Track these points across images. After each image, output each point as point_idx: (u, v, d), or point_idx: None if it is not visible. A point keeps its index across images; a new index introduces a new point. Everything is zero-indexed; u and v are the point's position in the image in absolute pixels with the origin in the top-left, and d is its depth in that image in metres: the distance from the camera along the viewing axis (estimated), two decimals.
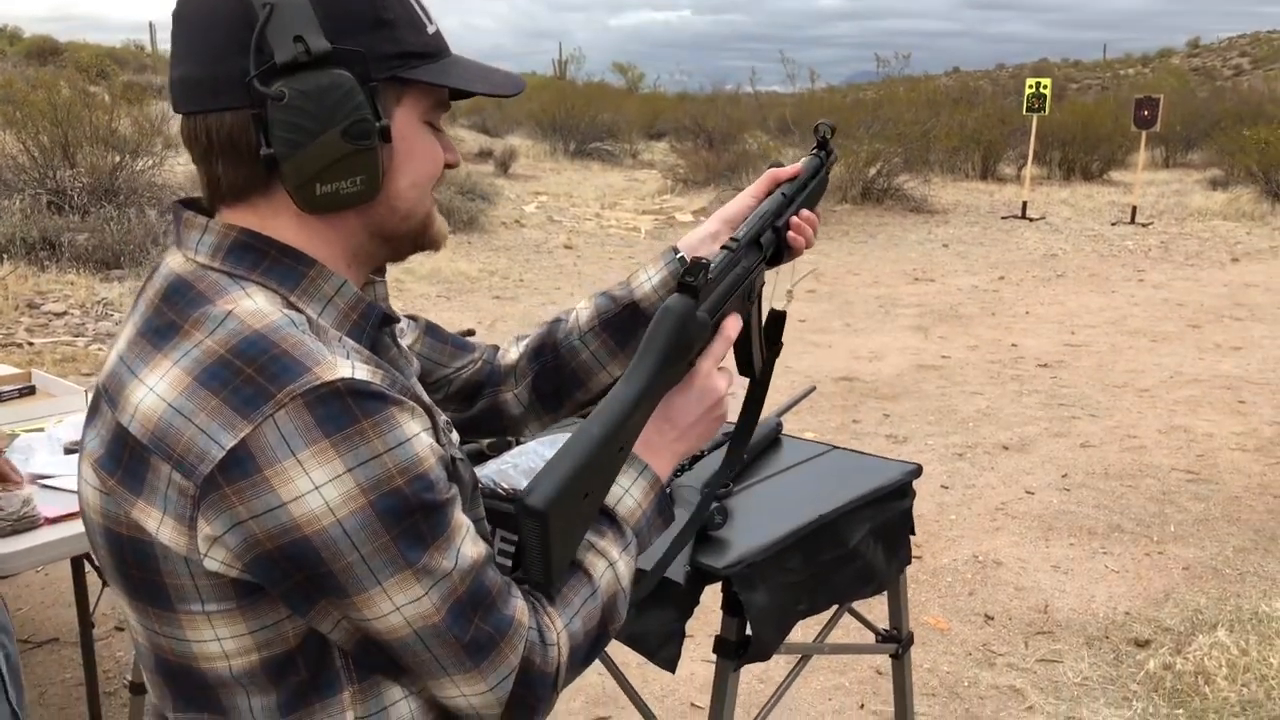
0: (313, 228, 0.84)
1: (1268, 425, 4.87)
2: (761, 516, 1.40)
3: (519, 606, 0.83)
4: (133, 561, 0.78)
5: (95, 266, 7.08)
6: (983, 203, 13.39)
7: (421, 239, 0.90)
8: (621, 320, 1.13)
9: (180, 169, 9.13)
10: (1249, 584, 3.28)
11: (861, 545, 1.47)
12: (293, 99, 0.77)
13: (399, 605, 0.76)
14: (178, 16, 0.82)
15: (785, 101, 17.42)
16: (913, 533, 1.60)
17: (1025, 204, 12.28)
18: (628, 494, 0.93)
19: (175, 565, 0.75)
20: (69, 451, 2.05)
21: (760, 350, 1.13)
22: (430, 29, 0.86)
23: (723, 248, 1.04)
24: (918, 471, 1.57)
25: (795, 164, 1.19)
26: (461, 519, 0.80)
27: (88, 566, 2.34)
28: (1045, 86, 12.29)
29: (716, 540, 1.34)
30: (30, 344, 5.81)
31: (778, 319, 1.15)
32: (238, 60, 0.78)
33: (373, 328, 0.86)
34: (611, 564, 0.90)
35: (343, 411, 0.73)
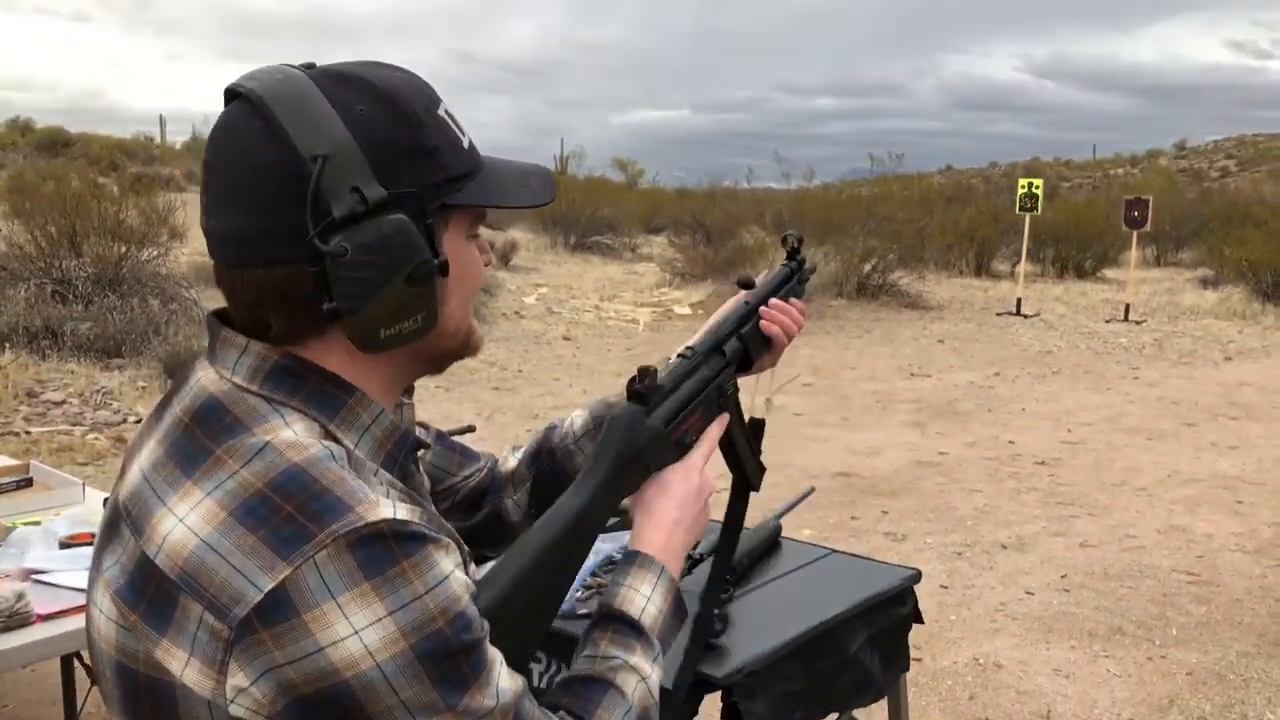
0: (362, 360, 0.82)
1: (1266, 526, 4.85)
2: (761, 623, 1.40)
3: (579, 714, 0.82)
4: (146, 700, 0.75)
5: (96, 355, 7.12)
6: (977, 299, 13.54)
7: (464, 350, 0.90)
8: None
9: (185, 259, 9.25)
10: (1254, 690, 3.24)
11: (860, 653, 1.46)
12: (355, 254, 0.75)
13: None
14: (214, 166, 0.79)
15: (781, 198, 17.75)
16: (917, 623, 1.59)
17: (1020, 301, 12.42)
18: (650, 601, 0.92)
19: (195, 707, 0.72)
20: (64, 546, 2.04)
21: (752, 459, 1.15)
22: (465, 143, 0.84)
23: (678, 355, 1.06)
24: (917, 577, 1.57)
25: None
26: (495, 653, 0.79)
27: (76, 664, 2.31)
28: (1037, 187, 12.55)
29: (716, 648, 1.33)
30: (27, 433, 5.81)
31: (757, 427, 1.16)
32: (288, 214, 0.75)
33: (405, 457, 0.85)
34: (644, 678, 0.89)
35: (384, 553, 0.72)
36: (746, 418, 1.15)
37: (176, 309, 7.91)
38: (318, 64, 0.82)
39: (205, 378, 0.81)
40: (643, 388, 0.96)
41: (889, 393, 8.00)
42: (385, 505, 0.73)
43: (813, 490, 1.60)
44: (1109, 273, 16.86)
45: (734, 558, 1.41)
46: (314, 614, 0.70)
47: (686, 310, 11.89)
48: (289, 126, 0.76)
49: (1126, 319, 11.90)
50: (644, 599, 0.92)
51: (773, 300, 1.17)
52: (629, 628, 0.90)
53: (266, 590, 0.70)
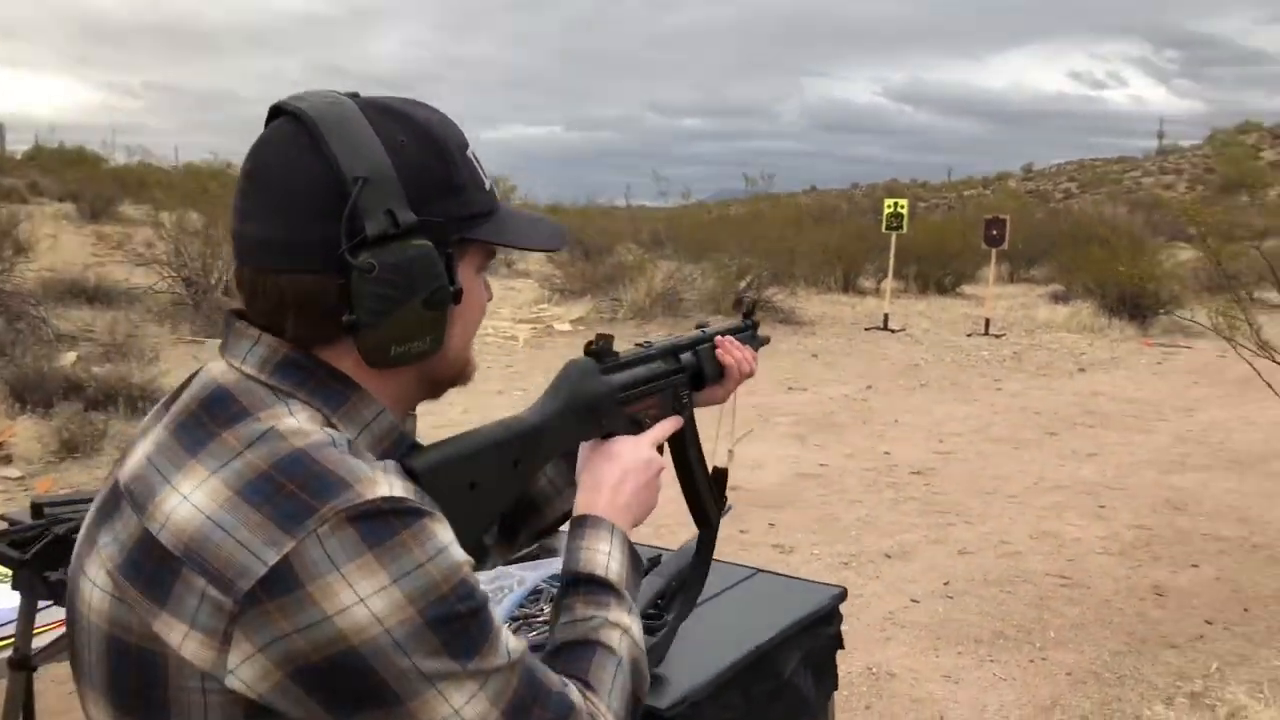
0: (366, 374, 0.85)
1: (1127, 529, 5.11)
2: (698, 649, 1.37)
3: (572, 689, 0.83)
4: (135, 672, 0.76)
5: None
6: (846, 315, 13.94)
7: (460, 378, 0.94)
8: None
9: (31, 275, 8.68)
10: (1128, 688, 3.38)
11: (794, 675, 1.44)
12: (381, 272, 0.80)
13: (458, 708, 0.76)
14: (255, 174, 0.84)
15: (658, 216, 17.92)
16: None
17: (887, 316, 12.84)
18: (611, 558, 0.95)
19: (187, 680, 0.74)
20: None
21: (710, 493, 1.18)
22: (487, 184, 0.90)
23: (636, 345, 1.12)
24: (843, 595, 1.57)
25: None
26: (498, 616, 0.82)
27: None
28: (903, 206, 13.03)
29: (656, 677, 1.29)
30: None
31: (721, 475, 1.21)
32: (323, 227, 0.80)
33: (399, 458, 0.87)
34: (626, 630, 0.92)
35: (384, 526, 0.75)
36: (710, 467, 1.21)
37: (24, 328, 7.41)
38: (361, 94, 0.87)
39: (215, 368, 0.85)
40: (598, 347, 1.02)
41: (769, 406, 8.13)
42: (383, 483, 0.77)
43: (731, 507, 1.58)
44: (968, 289, 17.63)
45: (664, 581, 1.39)
46: (319, 584, 0.72)
47: (567, 327, 11.83)
48: (335, 147, 0.80)
49: (987, 333, 12.43)
50: (605, 556, 0.95)
51: (729, 337, 1.24)
52: (599, 586, 0.93)
53: (271, 564, 0.72)
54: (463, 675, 0.76)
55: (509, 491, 0.94)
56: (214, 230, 10.67)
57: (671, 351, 1.16)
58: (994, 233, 12.90)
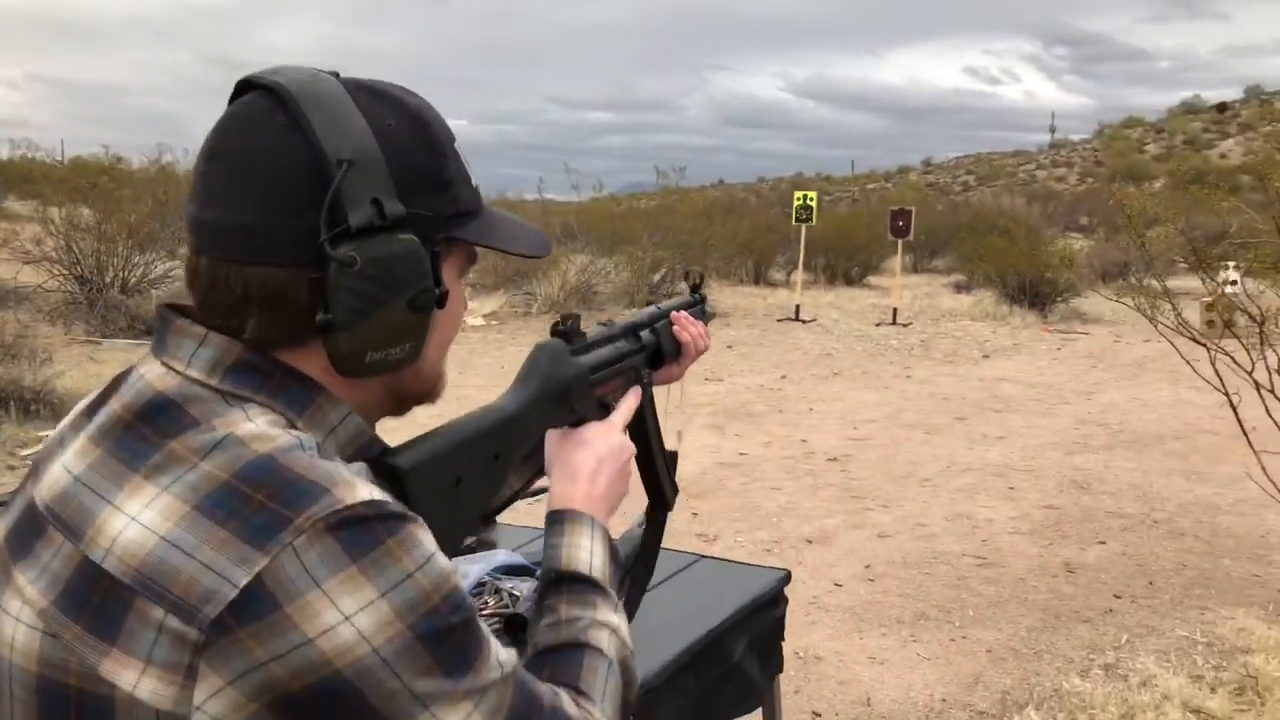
0: (334, 380, 0.77)
1: (1037, 509, 5.27)
2: (650, 637, 1.34)
3: (565, 700, 0.78)
4: (74, 717, 0.67)
5: None
6: (758, 306, 14.10)
7: (429, 395, 0.87)
8: None
9: None
10: (1045, 662, 3.48)
11: (742, 659, 1.43)
12: (364, 267, 0.72)
13: None
14: (219, 154, 0.75)
15: (569, 209, 17.86)
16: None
17: (798, 307, 13.02)
18: (594, 555, 0.90)
19: None
20: None
21: (669, 475, 1.18)
22: (473, 181, 0.84)
23: (597, 324, 1.10)
24: (788, 578, 1.56)
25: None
26: (486, 628, 0.75)
27: None
28: (812, 199, 13.22)
29: None
30: None
31: (671, 456, 1.20)
32: (300, 215, 0.71)
33: (378, 456, 0.81)
34: (615, 630, 0.87)
35: (367, 534, 0.67)
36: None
37: None
38: (341, 74, 0.79)
39: (150, 373, 0.75)
40: (566, 328, 0.99)
41: (687, 396, 8.16)
42: (362, 487, 0.69)
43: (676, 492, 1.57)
44: (874, 280, 17.99)
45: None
46: (297, 605, 0.64)
47: (480, 321, 11.69)
48: (318, 126, 0.72)
49: (895, 322, 12.71)
50: (588, 553, 0.89)
51: (684, 312, 1.23)
52: (584, 585, 0.88)
53: (242, 585, 0.64)
54: (457, 694, 0.69)
55: (490, 488, 0.89)
56: (107, 226, 10.24)
57: (633, 330, 1.14)
58: (900, 224, 13.20)
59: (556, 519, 0.93)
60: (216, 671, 0.64)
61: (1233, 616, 3.76)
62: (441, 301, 0.78)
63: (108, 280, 10.19)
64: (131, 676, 0.65)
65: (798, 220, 13.20)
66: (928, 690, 3.29)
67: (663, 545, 1.73)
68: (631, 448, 1.01)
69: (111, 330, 9.65)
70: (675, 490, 1.20)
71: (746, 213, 22.45)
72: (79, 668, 0.66)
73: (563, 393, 0.96)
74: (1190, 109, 74.59)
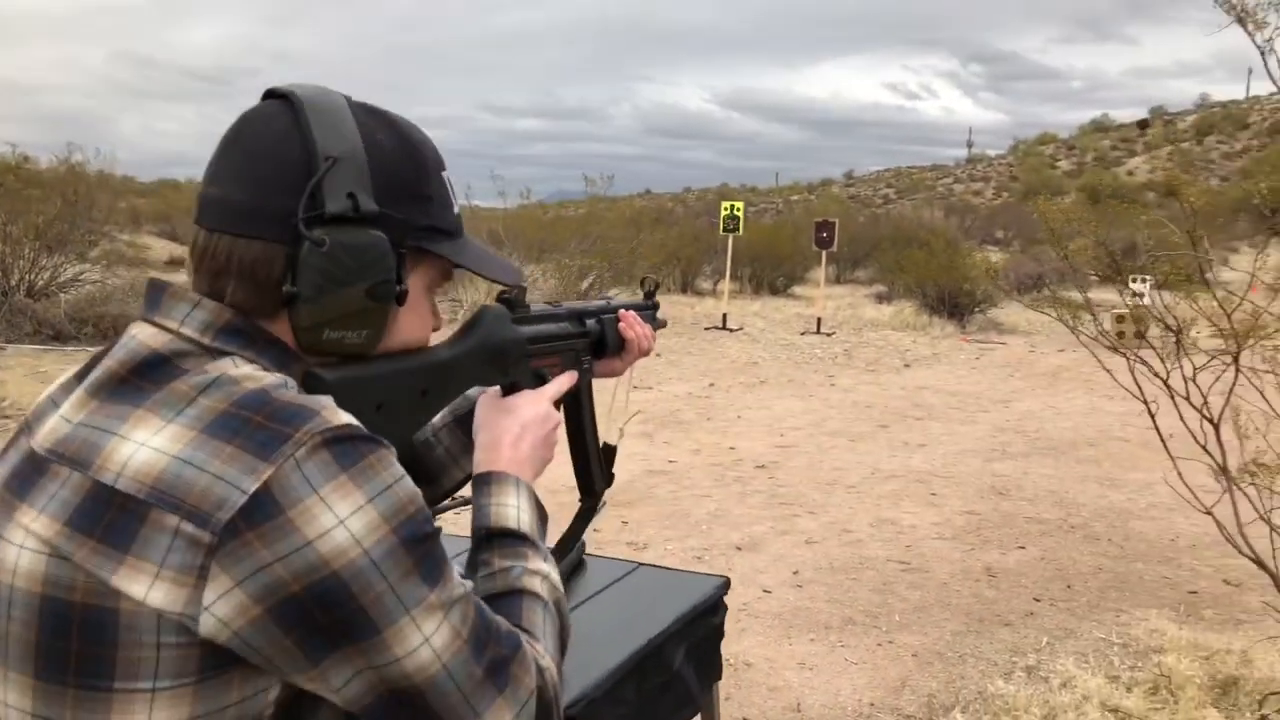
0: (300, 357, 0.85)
1: (958, 515, 5.37)
2: (590, 647, 1.32)
3: (519, 633, 0.84)
4: (77, 634, 0.72)
5: None
6: (686, 314, 14.17)
7: None
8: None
9: None
10: (969, 665, 3.55)
11: (681, 668, 1.42)
12: (332, 248, 0.81)
13: (428, 635, 0.76)
14: (233, 141, 0.85)
15: (495, 216, 17.72)
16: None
17: (725, 316, 13.13)
18: (521, 510, 0.95)
19: (141, 635, 0.71)
20: None
21: (599, 462, 1.20)
22: (455, 209, 0.93)
23: (544, 303, 1.14)
24: (727, 585, 1.56)
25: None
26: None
27: None
28: (739, 209, 13.35)
29: None
30: None
31: (610, 451, 1.23)
32: (285, 198, 0.81)
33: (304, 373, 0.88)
34: (546, 576, 0.92)
35: (353, 449, 0.76)
36: (601, 443, 1.24)
37: None
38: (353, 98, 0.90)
39: (142, 334, 0.82)
40: (511, 296, 1.04)
41: (620, 401, 8.15)
42: (343, 413, 0.78)
43: (604, 504, 1.56)
44: (799, 289, 18.23)
45: None
46: (299, 509, 0.72)
47: None
48: (315, 127, 0.83)
49: (819, 331, 12.89)
50: (514, 509, 0.95)
51: (632, 311, 1.26)
52: (514, 539, 0.93)
53: (251, 492, 0.72)
54: (433, 603, 0.76)
55: (415, 419, 0.93)
56: (13, 228, 9.85)
57: (578, 315, 1.17)
58: (824, 235, 13.40)
59: (483, 480, 0.97)
60: (226, 571, 0.71)
61: (1146, 618, 3.88)
62: (401, 299, 0.86)
63: (13, 284, 9.79)
64: (143, 584, 0.71)
65: (725, 230, 13.31)
66: (856, 695, 3.32)
67: (597, 554, 1.71)
68: (558, 417, 1.04)
69: (16, 335, 9.27)
70: (607, 480, 1.22)
71: (673, 222, 22.56)
72: (85, 583, 0.72)
73: (498, 353, 1.01)
74: (1100, 127, 77.27)
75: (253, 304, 0.83)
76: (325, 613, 0.72)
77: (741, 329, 13.04)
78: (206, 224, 0.84)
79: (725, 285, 14.20)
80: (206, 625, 0.71)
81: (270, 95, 0.88)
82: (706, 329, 12.90)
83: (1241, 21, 1.97)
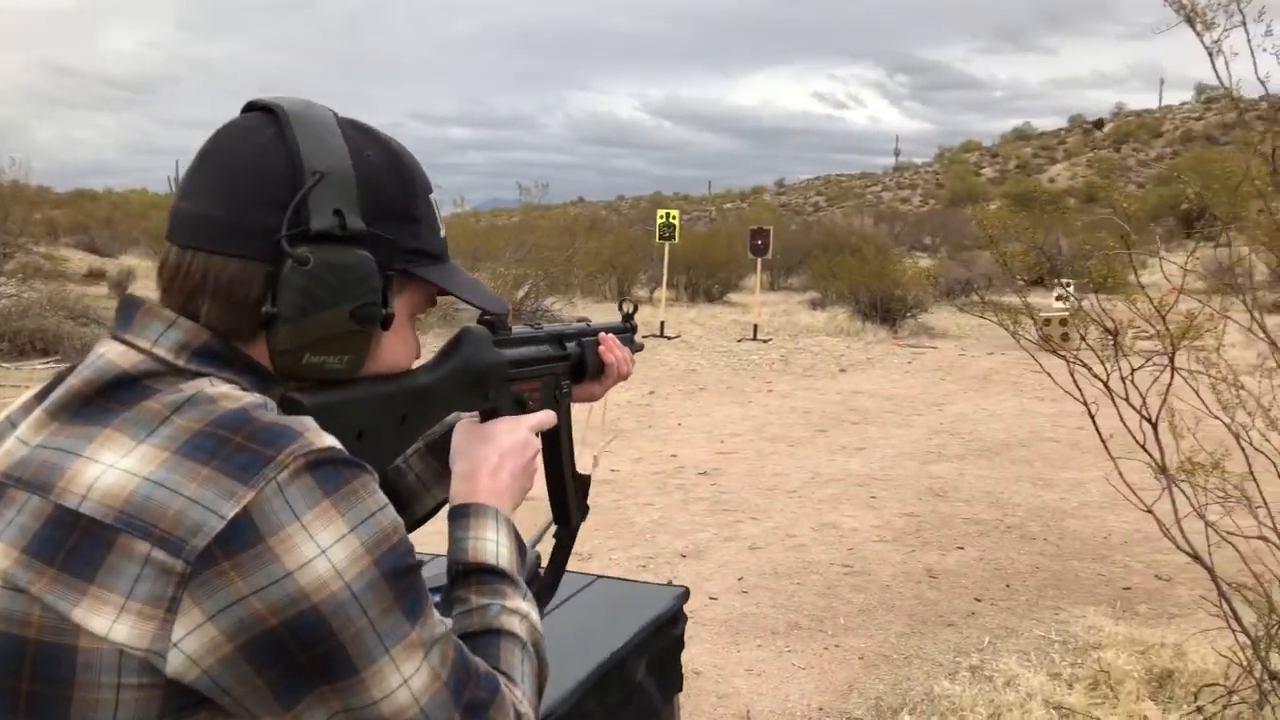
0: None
1: (898, 517, 5.44)
2: (552, 661, 1.29)
3: (498, 675, 0.81)
4: (29, 671, 0.68)
5: None
6: None
7: None
8: (447, 443, 1.08)
9: None
10: (915, 667, 3.58)
11: (644, 680, 1.40)
12: (316, 267, 0.77)
13: (407, 677, 0.73)
14: (210, 153, 0.81)
15: None
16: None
17: (663, 324, 13.15)
18: (500, 545, 0.91)
19: (100, 676, 0.67)
20: None
21: (575, 491, 1.17)
22: (441, 233, 0.90)
23: (524, 325, 1.12)
24: (686, 595, 1.54)
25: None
26: None
27: None
28: (675, 217, 13.40)
29: None
30: None
31: (584, 482, 1.20)
32: (267, 214, 0.77)
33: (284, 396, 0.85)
34: (525, 615, 0.89)
35: (336, 473, 0.72)
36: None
37: None
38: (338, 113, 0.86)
39: (111, 352, 0.77)
40: (493, 318, 1.01)
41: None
42: (325, 435, 0.74)
43: (551, 524, 1.54)
44: (734, 297, 18.35)
45: None
46: (279, 537, 0.68)
47: None
48: (301, 141, 0.79)
49: (755, 338, 12.98)
50: (494, 544, 0.91)
51: (612, 335, 1.23)
52: (493, 575, 0.89)
53: (230, 517, 0.67)
54: (413, 641, 0.73)
55: (396, 446, 0.91)
56: None
57: (559, 338, 1.14)
58: (759, 243, 13.51)
59: (461, 513, 0.93)
60: (199, 604, 0.66)
61: (1084, 615, 3.96)
62: (386, 322, 0.82)
63: None
64: (107, 617, 0.66)
65: (661, 238, 13.34)
66: (804, 700, 3.33)
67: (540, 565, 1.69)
68: (537, 445, 1.01)
69: None
70: (582, 511, 1.17)
71: (608, 230, 22.58)
72: (41, 618, 0.67)
73: (479, 377, 0.98)
74: (1022, 135, 79.34)
75: (228, 325, 0.78)
76: (303, 650, 0.69)
77: (679, 337, 13.07)
78: (179, 240, 0.80)
79: (662, 293, 14.23)
80: (174, 663, 0.66)
81: (251, 108, 0.84)
82: (644, 337, 12.88)
83: (1190, 21, 2.01)
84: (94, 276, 14.21)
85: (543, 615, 1.41)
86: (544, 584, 1.15)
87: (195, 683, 0.67)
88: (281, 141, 0.79)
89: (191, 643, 0.66)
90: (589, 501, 1.21)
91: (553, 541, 1.21)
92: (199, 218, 0.79)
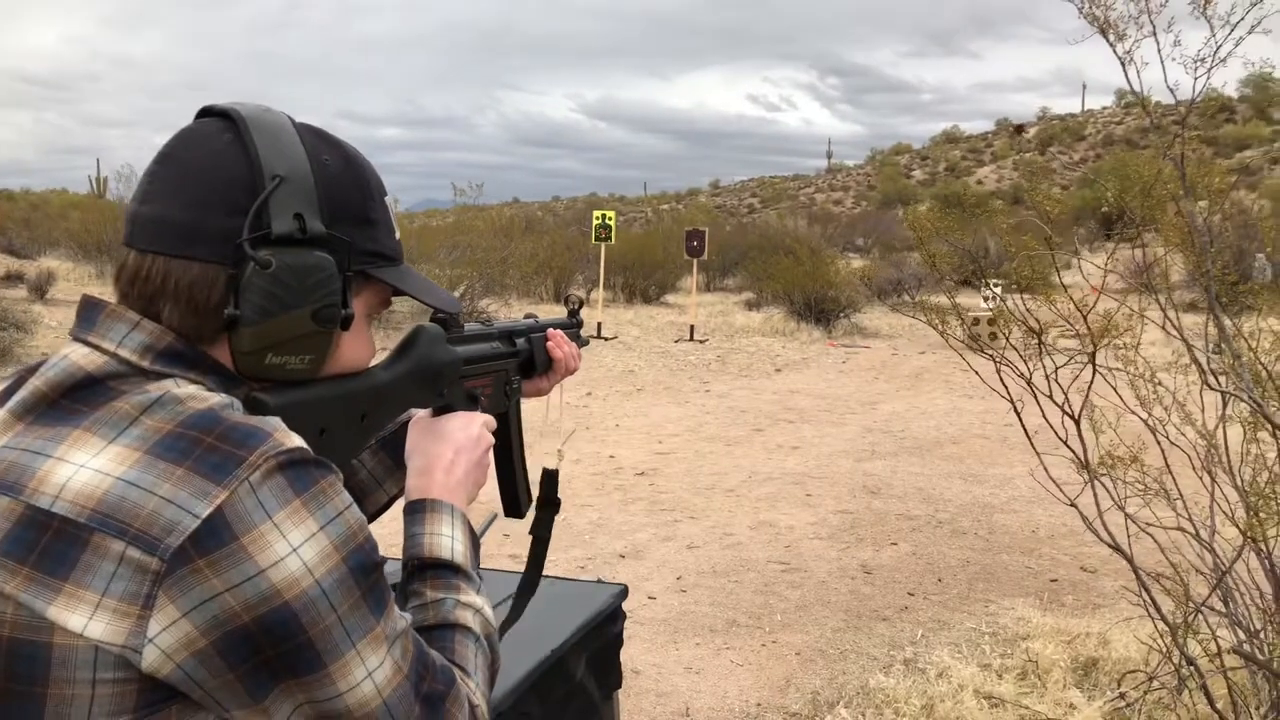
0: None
1: (833, 515, 5.52)
2: None
3: (454, 669, 0.83)
4: (2, 669, 0.69)
5: None
6: None
7: None
8: (399, 439, 1.11)
9: None
10: (850, 661, 3.64)
11: (584, 677, 1.41)
12: (278, 270, 0.78)
13: (371, 670, 0.75)
14: (169, 156, 0.82)
15: None
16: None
17: (600, 325, 13.15)
18: (455, 540, 0.93)
19: (74, 671, 0.68)
20: None
21: (524, 482, 1.20)
22: (396, 235, 0.92)
23: (475, 322, 1.14)
24: (625, 593, 1.55)
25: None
26: None
27: None
28: (611, 218, 13.41)
29: None
30: None
31: (551, 477, 1.26)
32: (227, 217, 0.79)
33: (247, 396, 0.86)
34: (479, 610, 0.91)
35: (305, 474, 0.74)
36: (540, 469, 1.26)
37: None
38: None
39: (75, 354, 0.78)
40: (446, 317, 1.03)
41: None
42: (294, 436, 0.76)
43: (495, 516, 1.54)
44: (671, 298, 18.42)
45: None
46: (252, 536, 0.70)
47: None
48: (260, 146, 0.80)
49: (692, 339, 13.05)
50: (449, 539, 0.92)
51: (559, 331, 1.26)
52: (447, 570, 0.91)
53: (204, 516, 0.69)
54: (378, 636, 0.76)
55: (355, 444, 0.92)
56: None
57: (509, 334, 1.17)
58: (695, 244, 13.59)
59: (416, 508, 0.95)
60: (174, 601, 0.68)
61: (1012, 607, 4.07)
62: (346, 323, 0.84)
63: None
64: (83, 615, 0.68)
65: (597, 239, 13.35)
66: (743, 696, 3.37)
67: (488, 568, 1.69)
68: (490, 440, 1.03)
69: None
70: (530, 499, 1.21)
71: (544, 231, 22.53)
72: (14, 616, 0.69)
73: (434, 375, 0.99)
74: (950, 138, 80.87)
75: (190, 328, 0.79)
76: (273, 645, 0.71)
77: (616, 337, 13.09)
78: (138, 245, 0.81)
79: (599, 294, 14.25)
80: (149, 658, 0.68)
81: (207, 113, 0.85)
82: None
83: (1104, 32, 2.08)
84: (12, 279, 13.75)
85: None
86: (524, 580, 1.18)
87: (169, 677, 0.69)
88: (240, 146, 0.80)
89: (167, 638, 0.68)
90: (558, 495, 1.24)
91: (529, 540, 1.23)
92: (159, 222, 0.80)
